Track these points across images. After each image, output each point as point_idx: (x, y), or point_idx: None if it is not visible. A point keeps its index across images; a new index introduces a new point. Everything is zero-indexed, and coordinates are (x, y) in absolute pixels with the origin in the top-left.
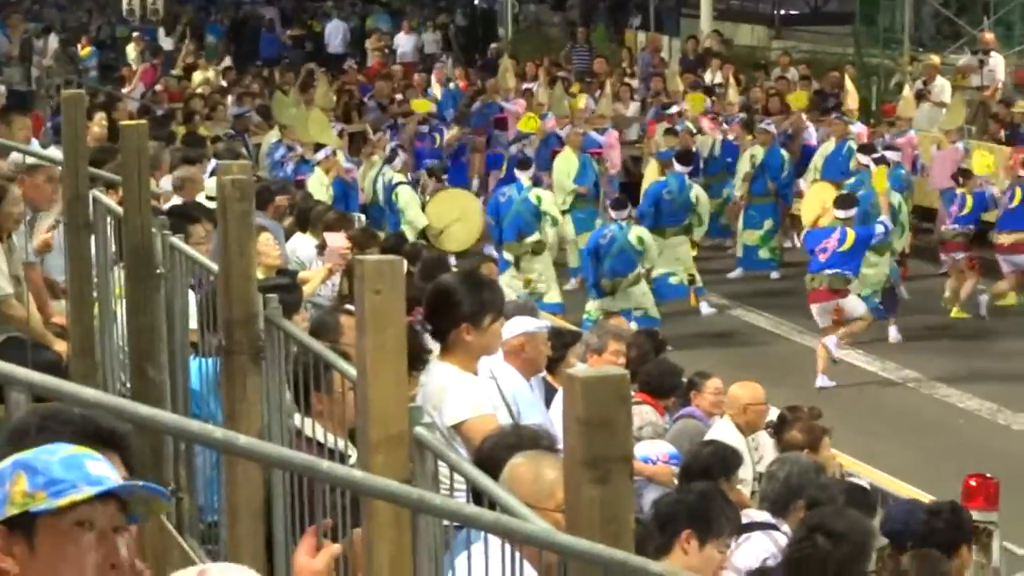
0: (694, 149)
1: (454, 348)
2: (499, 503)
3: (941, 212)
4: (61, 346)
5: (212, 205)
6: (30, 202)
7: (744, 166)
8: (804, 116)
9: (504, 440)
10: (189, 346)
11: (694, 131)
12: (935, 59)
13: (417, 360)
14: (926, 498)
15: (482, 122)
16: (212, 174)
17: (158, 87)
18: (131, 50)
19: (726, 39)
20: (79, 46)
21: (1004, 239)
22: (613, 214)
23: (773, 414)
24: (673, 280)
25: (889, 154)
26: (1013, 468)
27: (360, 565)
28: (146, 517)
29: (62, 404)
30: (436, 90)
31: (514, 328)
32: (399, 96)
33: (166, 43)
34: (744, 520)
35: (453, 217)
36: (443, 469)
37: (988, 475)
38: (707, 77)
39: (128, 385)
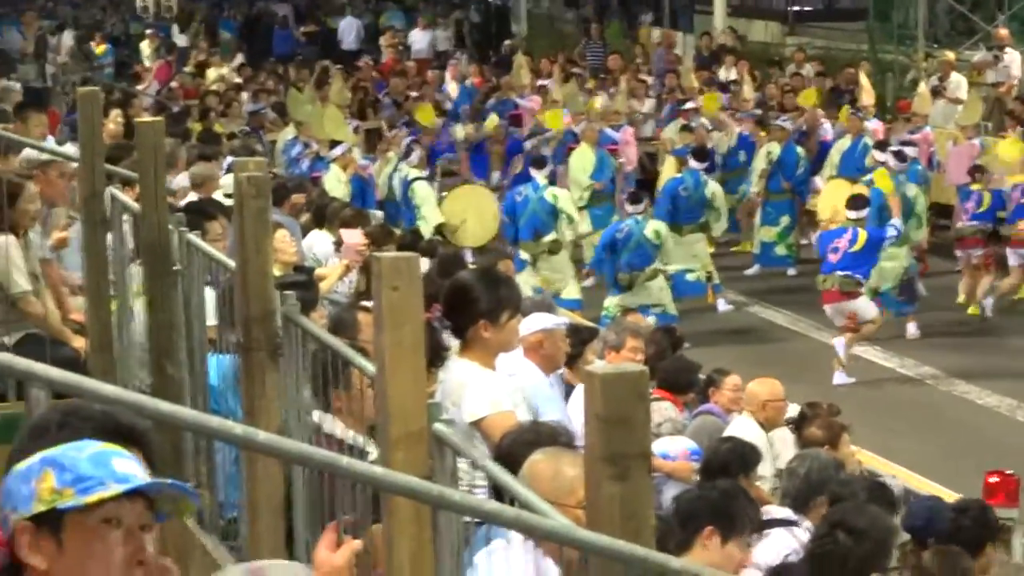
0: (709, 145)
1: (472, 345)
2: (519, 499)
3: (957, 208)
4: (79, 342)
5: (228, 202)
6: (44, 198)
7: (760, 163)
8: (819, 112)
9: (522, 437)
10: (208, 343)
11: (709, 127)
12: (950, 55)
13: (436, 357)
14: (946, 495)
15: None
16: (228, 171)
17: (173, 84)
18: (145, 47)
19: (740, 35)
20: (94, 43)
21: (1013, 231)
22: (629, 208)
23: (792, 411)
24: (690, 277)
25: (906, 149)
26: None
27: (380, 561)
28: (173, 515)
29: (82, 400)
30: (452, 87)
31: (532, 325)
32: (414, 93)
33: (180, 40)
34: (764, 516)
35: (469, 214)
36: (463, 465)
37: (1008, 471)
38: (721, 73)
39: (147, 382)
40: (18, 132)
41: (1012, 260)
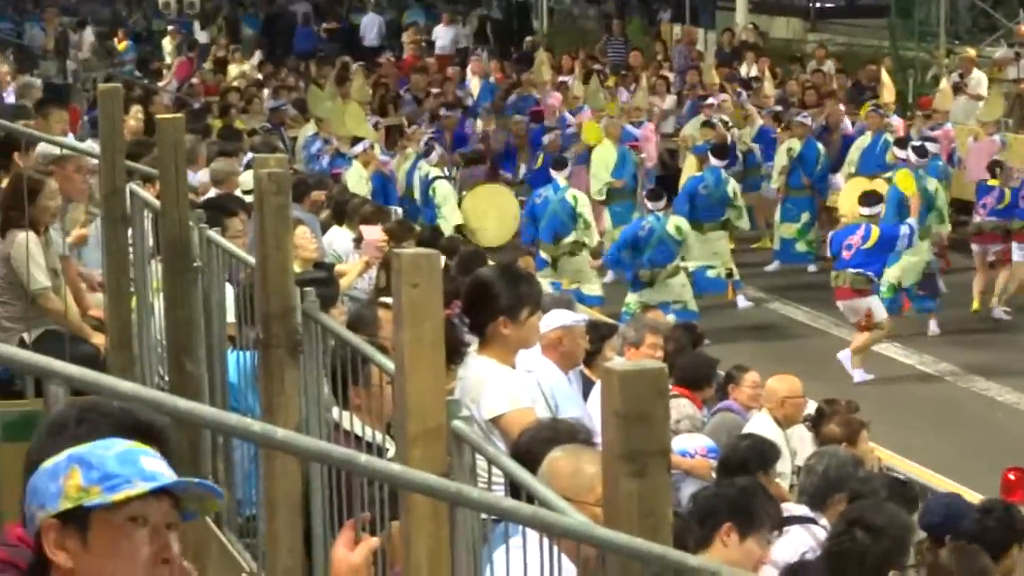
0: (729, 141)
1: (492, 341)
2: (537, 497)
3: (975, 203)
4: (99, 339)
5: (248, 198)
6: (62, 193)
7: (781, 159)
8: (842, 108)
9: (541, 434)
10: (227, 339)
11: (730, 124)
12: (971, 52)
13: (455, 353)
14: (965, 492)
15: (517, 114)
16: (247, 167)
17: (194, 80)
18: (167, 44)
19: (762, 31)
20: (116, 40)
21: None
22: (650, 205)
23: (811, 407)
24: (711, 273)
25: (928, 145)
26: None
27: (398, 558)
28: (199, 514)
29: (101, 397)
30: (474, 83)
31: (552, 322)
32: (435, 89)
33: (202, 37)
34: (783, 514)
35: (489, 217)
36: (481, 462)
37: None
38: (743, 70)
39: (166, 379)
40: (39, 128)
41: (1017, 256)
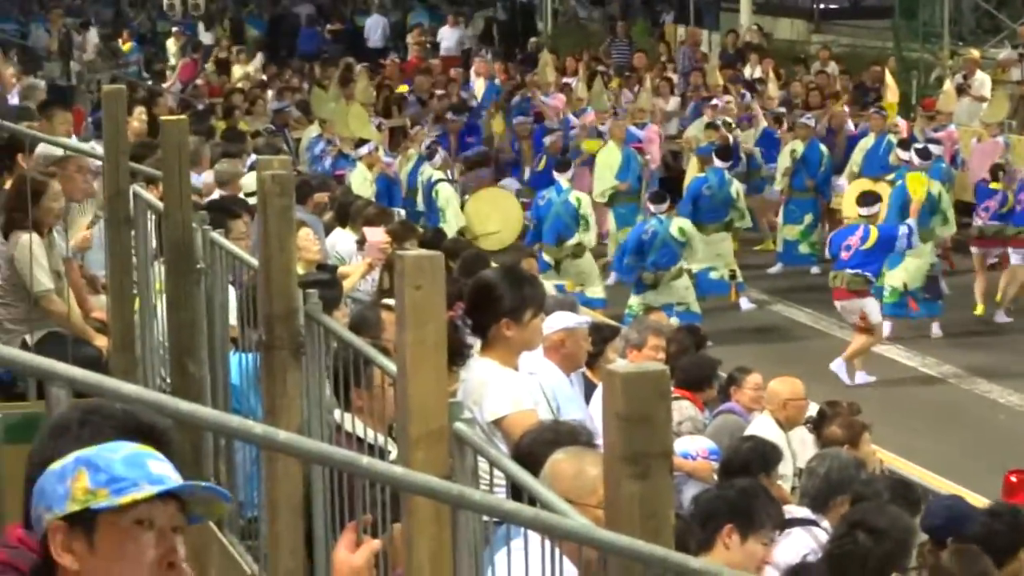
0: (732, 143)
1: (495, 343)
2: (539, 499)
3: (976, 206)
4: (101, 341)
5: (251, 200)
6: (64, 193)
7: (784, 161)
8: (846, 110)
9: (542, 436)
10: (229, 341)
11: (734, 125)
12: (975, 53)
13: (457, 355)
14: (967, 494)
15: (521, 116)
16: (251, 169)
17: (199, 81)
18: (171, 45)
19: (766, 33)
20: (120, 41)
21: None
22: (652, 208)
23: (813, 409)
24: (714, 275)
25: (931, 147)
26: None
27: (400, 561)
28: (205, 518)
29: (103, 399)
30: (478, 84)
31: (554, 324)
32: (439, 91)
33: (206, 38)
34: (784, 515)
35: (492, 220)
36: (483, 465)
37: None
38: (747, 71)
39: (168, 381)
40: (43, 130)
41: (1015, 259)
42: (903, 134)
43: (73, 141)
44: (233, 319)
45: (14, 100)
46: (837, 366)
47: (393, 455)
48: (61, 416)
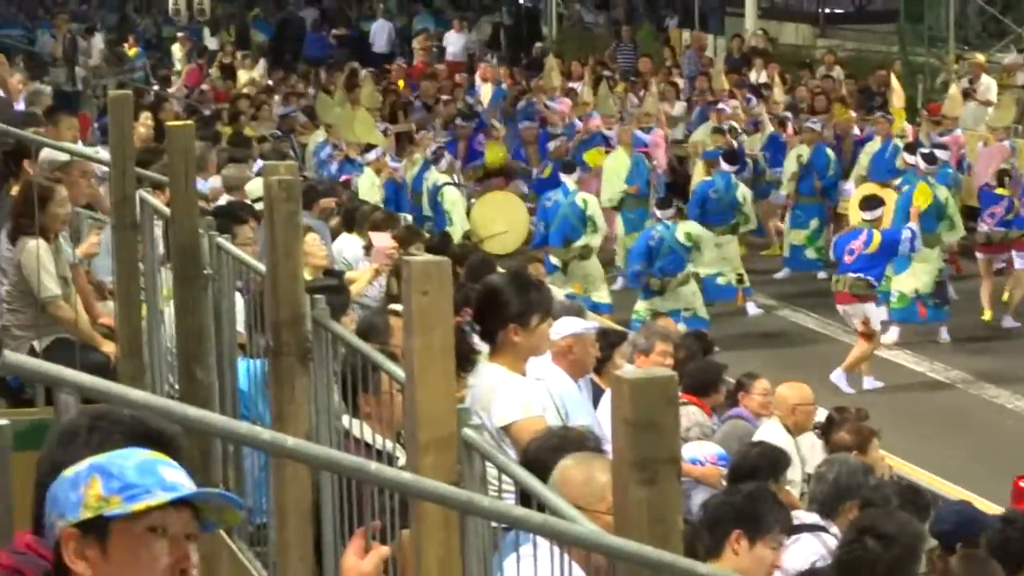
0: (737, 148)
1: (502, 349)
2: (547, 505)
3: (981, 211)
4: (109, 347)
5: (257, 206)
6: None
7: (790, 166)
8: (853, 115)
9: (549, 442)
10: (237, 347)
11: (739, 130)
12: (981, 57)
13: (465, 361)
14: (976, 500)
15: (527, 120)
16: (258, 174)
17: (204, 87)
18: (177, 50)
19: (771, 37)
20: (126, 46)
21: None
22: (659, 214)
23: (821, 415)
24: (721, 280)
25: (938, 152)
26: None
27: (409, 567)
28: (219, 525)
29: (112, 406)
30: (484, 89)
31: (562, 329)
32: (444, 96)
33: (212, 43)
34: (793, 522)
35: (498, 224)
36: (491, 471)
37: None
38: (752, 76)
39: (176, 386)
40: (49, 135)
41: (1018, 263)
42: (909, 138)
43: (78, 146)
44: (240, 325)
45: (20, 106)
46: (837, 377)
47: (402, 461)
48: (70, 422)
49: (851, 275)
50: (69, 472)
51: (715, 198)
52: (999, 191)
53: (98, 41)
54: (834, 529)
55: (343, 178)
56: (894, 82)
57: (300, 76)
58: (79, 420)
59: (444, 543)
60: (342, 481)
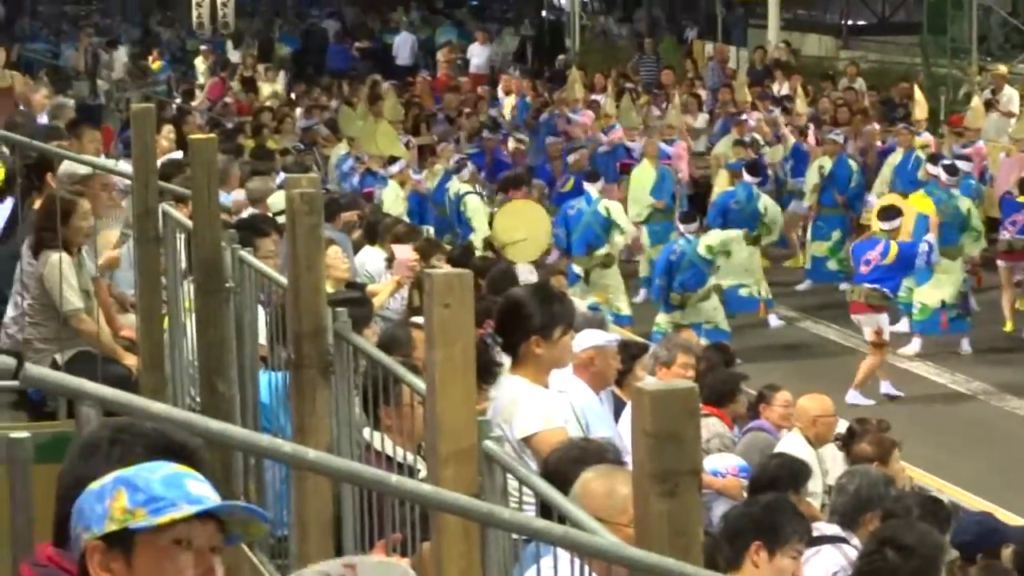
0: (759, 159)
1: (525, 361)
2: (568, 517)
3: (1003, 219)
4: (131, 360)
5: (280, 219)
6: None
7: (812, 177)
8: (876, 127)
9: (569, 454)
10: (259, 360)
11: (762, 142)
12: (1003, 68)
13: (487, 373)
14: (997, 511)
15: (550, 133)
16: (280, 187)
17: (227, 100)
18: (200, 64)
19: (794, 49)
20: (150, 59)
21: None
22: (682, 228)
23: (842, 426)
24: (743, 292)
25: (960, 164)
26: None
27: None
28: (243, 538)
29: (133, 418)
30: (508, 101)
31: (583, 342)
32: (467, 109)
33: (234, 56)
34: (814, 533)
35: (520, 233)
36: (512, 483)
37: None
38: (774, 88)
39: (198, 399)
40: (72, 149)
41: None
42: (932, 149)
43: (99, 159)
44: (262, 337)
45: (43, 119)
46: (852, 397)
47: (422, 473)
48: (91, 435)
49: (867, 286)
50: (95, 485)
51: (736, 209)
52: (1021, 199)
53: (121, 54)
54: (855, 540)
55: (365, 191)
56: (917, 94)
57: (323, 89)
58: (101, 433)
59: (465, 555)
60: (363, 493)
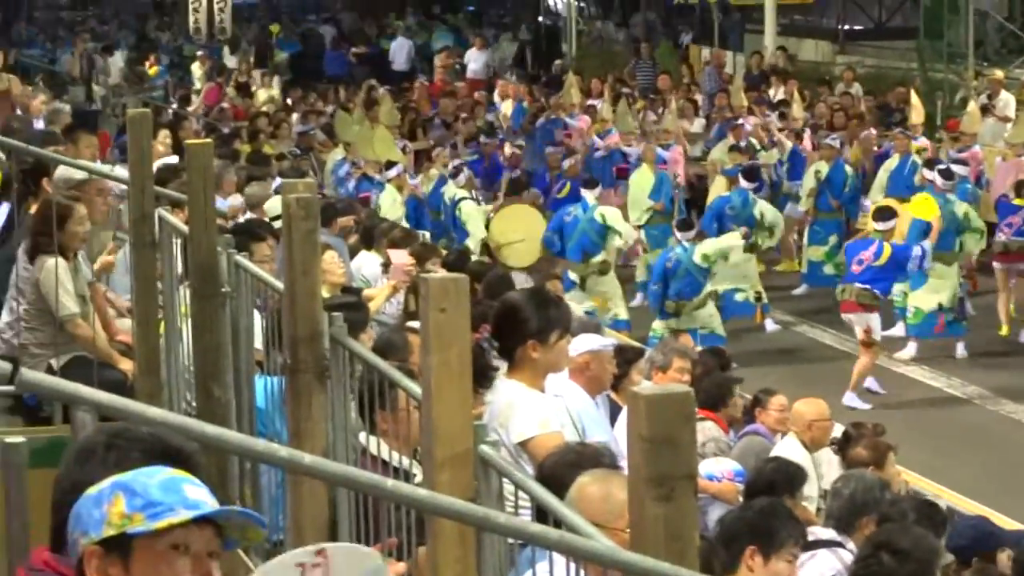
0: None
1: (521, 365)
2: (564, 521)
3: (999, 222)
4: (127, 365)
5: (276, 224)
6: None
7: (809, 182)
8: (873, 132)
9: (565, 458)
10: (255, 365)
11: (758, 147)
12: (999, 73)
13: (483, 378)
14: (993, 515)
15: (547, 138)
16: (276, 192)
17: (224, 105)
18: (196, 69)
19: (791, 54)
20: (147, 64)
21: None
22: (679, 235)
23: (838, 431)
24: (739, 297)
25: (957, 168)
26: None
27: None
28: (241, 543)
29: (129, 423)
30: (504, 106)
31: (579, 346)
32: (464, 114)
33: (231, 62)
34: (810, 537)
35: (517, 235)
36: (508, 487)
37: None
38: (771, 93)
39: (194, 404)
40: (68, 154)
41: None
42: (928, 153)
43: (95, 164)
44: (258, 342)
45: (40, 124)
46: (849, 399)
47: (418, 478)
48: (87, 440)
49: (858, 285)
50: (93, 490)
51: (731, 214)
52: (1016, 201)
53: (117, 60)
54: (851, 545)
55: (361, 195)
56: (914, 98)
57: (319, 94)
58: (96, 438)
59: (460, 560)
60: (359, 498)
